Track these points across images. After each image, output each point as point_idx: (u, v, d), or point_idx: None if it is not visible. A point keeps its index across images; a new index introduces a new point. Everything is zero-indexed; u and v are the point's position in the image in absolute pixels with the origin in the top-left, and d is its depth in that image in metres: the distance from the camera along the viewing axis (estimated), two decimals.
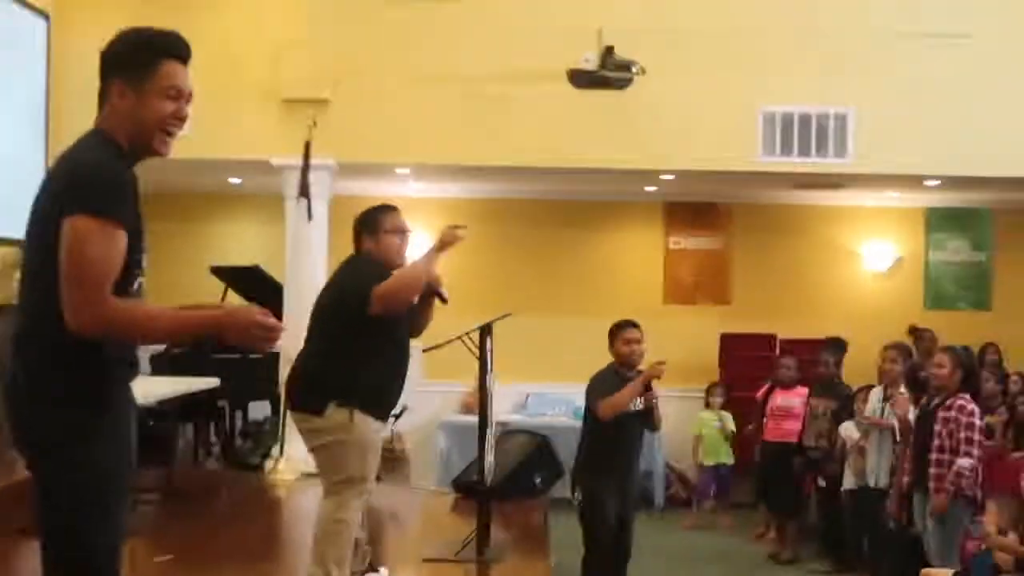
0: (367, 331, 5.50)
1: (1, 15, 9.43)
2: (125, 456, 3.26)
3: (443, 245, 5.67)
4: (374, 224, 5.75)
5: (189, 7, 9.83)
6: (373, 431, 5.55)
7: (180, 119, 3.34)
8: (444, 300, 5.93)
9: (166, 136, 3.33)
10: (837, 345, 10.51)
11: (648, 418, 7.17)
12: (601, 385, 7.14)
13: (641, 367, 7.20)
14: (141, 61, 3.31)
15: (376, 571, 6.00)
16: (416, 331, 5.94)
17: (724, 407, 11.82)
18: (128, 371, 3.31)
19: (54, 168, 3.24)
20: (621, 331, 7.24)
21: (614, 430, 7.04)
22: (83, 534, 3.11)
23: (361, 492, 5.49)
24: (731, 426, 11.68)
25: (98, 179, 3.08)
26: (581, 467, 7.28)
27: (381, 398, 5.64)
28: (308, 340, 5.71)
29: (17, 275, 3.41)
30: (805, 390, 10.33)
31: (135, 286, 3.21)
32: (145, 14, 10.07)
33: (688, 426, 11.82)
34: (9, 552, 6.79)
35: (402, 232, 5.80)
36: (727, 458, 11.71)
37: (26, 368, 3.13)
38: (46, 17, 10.01)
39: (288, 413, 5.83)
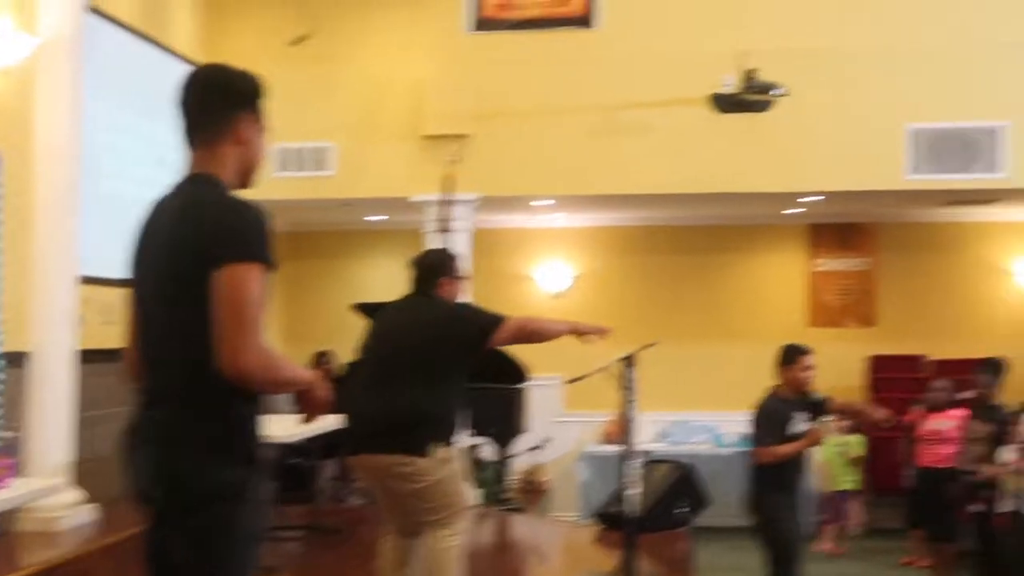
0: (466, 370, 5.65)
1: (156, 69, 9.51)
2: (267, 514, 3.24)
3: (582, 333, 5.73)
4: (453, 269, 5.89)
5: (333, 49, 9.91)
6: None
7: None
8: None
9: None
10: (995, 366, 10.08)
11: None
12: (769, 421, 7.06)
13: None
14: (258, 95, 3.33)
15: None
16: None
17: (853, 431, 11.63)
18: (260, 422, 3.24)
19: (181, 216, 3.13)
20: (801, 356, 7.12)
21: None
22: None
23: (465, 515, 5.62)
24: (855, 451, 11.62)
25: (251, 225, 3.05)
26: (759, 489, 7.16)
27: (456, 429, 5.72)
28: (398, 382, 5.54)
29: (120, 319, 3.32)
30: (958, 412, 9.92)
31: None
32: (290, 53, 10.42)
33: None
34: None
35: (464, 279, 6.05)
36: (850, 485, 11.67)
37: (179, 420, 3.06)
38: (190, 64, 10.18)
39: (370, 456, 5.54)
